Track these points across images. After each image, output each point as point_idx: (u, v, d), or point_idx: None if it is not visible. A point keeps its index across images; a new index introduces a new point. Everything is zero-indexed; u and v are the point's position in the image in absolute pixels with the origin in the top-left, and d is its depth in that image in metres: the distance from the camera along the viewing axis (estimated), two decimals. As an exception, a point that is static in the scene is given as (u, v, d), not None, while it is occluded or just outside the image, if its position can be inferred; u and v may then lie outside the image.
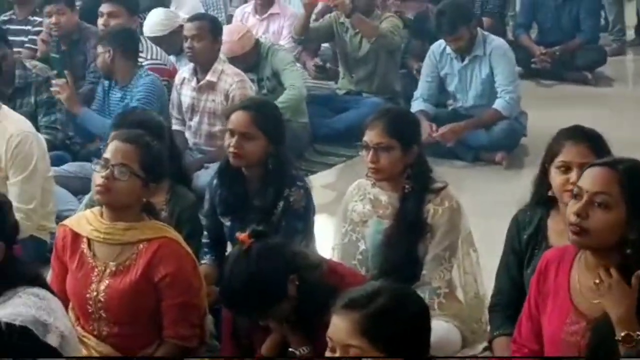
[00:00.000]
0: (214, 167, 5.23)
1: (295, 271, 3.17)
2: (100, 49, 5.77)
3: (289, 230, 3.94)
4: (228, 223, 4.10)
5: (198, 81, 5.97)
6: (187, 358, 3.43)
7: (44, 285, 3.06)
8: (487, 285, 3.80)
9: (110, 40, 5.74)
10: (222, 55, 6.12)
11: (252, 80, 6.28)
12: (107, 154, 3.44)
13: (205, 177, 5.24)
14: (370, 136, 3.74)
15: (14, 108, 5.20)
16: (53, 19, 6.66)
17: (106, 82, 5.91)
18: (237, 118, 3.97)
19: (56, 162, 5.47)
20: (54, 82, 5.79)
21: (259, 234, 3.26)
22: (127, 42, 5.79)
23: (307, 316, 3.08)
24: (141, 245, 3.41)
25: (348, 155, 6.50)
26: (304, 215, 4.01)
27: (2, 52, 5.69)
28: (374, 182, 3.83)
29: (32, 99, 5.80)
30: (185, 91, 6.05)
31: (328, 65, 7.85)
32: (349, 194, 3.94)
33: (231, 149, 3.94)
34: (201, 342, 3.52)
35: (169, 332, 3.44)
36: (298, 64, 7.26)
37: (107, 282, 3.41)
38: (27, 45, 7.00)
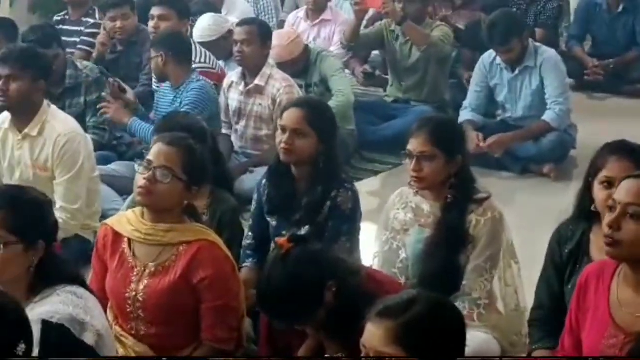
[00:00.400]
0: (259, 171, 5.25)
1: (334, 278, 3.15)
2: (153, 53, 5.83)
3: (335, 231, 3.95)
4: (274, 223, 4.12)
5: (246, 85, 5.99)
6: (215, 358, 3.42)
7: (82, 283, 3.08)
8: (529, 297, 3.76)
9: (162, 44, 5.79)
10: (271, 60, 6.13)
11: (300, 86, 6.28)
12: (150, 156, 3.46)
13: (250, 181, 5.26)
14: (413, 145, 3.72)
15: (63, 108, 5.25)
16: (118, 24, 6.74)
17: (158, 85, 5.94)
18: (290, 115, 4.00)
19: (102, 162, 5.51)
20: (99, 106, 5.80)
21: (299, 239, 3.25)
22: (178, 46, 5.83)
23: (344, 323, 3.06)
24: (181, 247, 3.41)
25: (394, 163, 6.45)
26: (350, 218, 4.01)
27: (55, 53, 5.75)
28: (417, 191, 3.81)
29: (82, 99, 5.84)
30: (232, 95, 6.07)
31: (377, 72, 7.81)
32: (391, 201, 3.92)
33: (282, 145, 3.96)
34: (239, 346, 3.52)
35: (207, 335, 3.44)
36: (347, 71, 7.26)
37: (146, 282, 3.42)
38: (79, 46, 7.06)
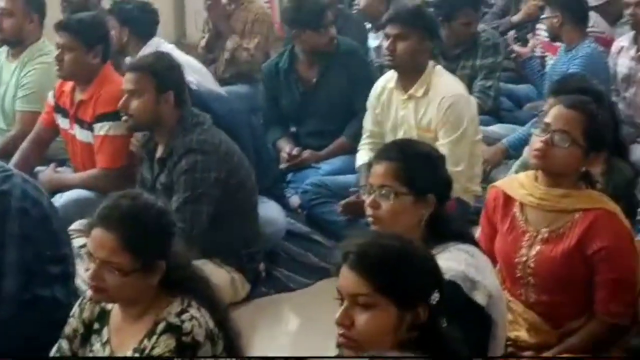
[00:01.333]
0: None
1: None
2: (547, 13, 5.82)
3: None
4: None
5: (638, 50, 5.68)
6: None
7: (474, 243, 3.04)
8: None
9: (558, 4, 5.76)
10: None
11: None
12: (548, 119, 3.30)
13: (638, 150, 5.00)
14: None
15: (455, 69, 5.24)
16: None
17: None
18: None
19: (483, 124, 5.40)
20: None
21: None
22: (575, 7, 5.76)
23: None
24: (577, 215, 3.26)
25: None
26: None
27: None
28: None
29: (477, 62, 5.84)
30: (622, 61, 5.77)
31: None
32: None
33: None
34: (634, 322, 3.31)
35: (600, 308, 3.27)
36: None
37: (538, 248, 3.29)
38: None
